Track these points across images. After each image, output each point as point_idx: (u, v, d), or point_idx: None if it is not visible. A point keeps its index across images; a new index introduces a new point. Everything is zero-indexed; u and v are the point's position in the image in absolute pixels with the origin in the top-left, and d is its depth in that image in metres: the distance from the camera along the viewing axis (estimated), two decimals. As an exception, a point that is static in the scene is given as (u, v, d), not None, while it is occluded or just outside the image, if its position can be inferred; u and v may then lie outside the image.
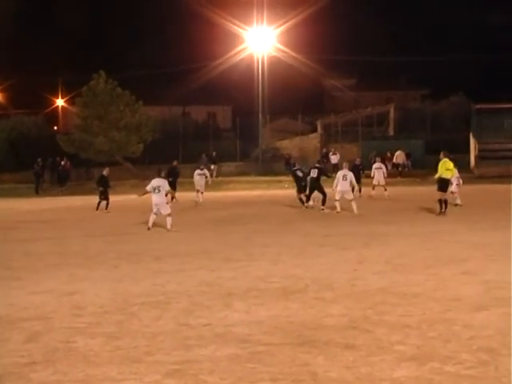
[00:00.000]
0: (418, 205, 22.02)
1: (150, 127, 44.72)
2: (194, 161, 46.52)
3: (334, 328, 7.11)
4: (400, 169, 41.26)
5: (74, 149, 43.50)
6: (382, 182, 26.87)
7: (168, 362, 6.11)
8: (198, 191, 26.26)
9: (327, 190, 21.85)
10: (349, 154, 44.47)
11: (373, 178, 27.08)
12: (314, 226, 17.68)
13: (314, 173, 22.28)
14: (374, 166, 27.47)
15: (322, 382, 5.54)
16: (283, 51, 49.50)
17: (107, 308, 8.40)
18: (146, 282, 10.08)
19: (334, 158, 41.46)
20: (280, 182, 38.17)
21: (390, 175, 29.90)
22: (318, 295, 8.76)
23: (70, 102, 57.05)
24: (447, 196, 18.88)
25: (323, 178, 22.84)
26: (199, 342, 6.74)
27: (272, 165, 47.39)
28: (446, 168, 18.72)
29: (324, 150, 44.59)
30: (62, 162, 44.92)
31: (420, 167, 41.95)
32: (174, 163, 28.29)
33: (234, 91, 58.58)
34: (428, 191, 30.25)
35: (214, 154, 46.29)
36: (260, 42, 47.12)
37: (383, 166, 27.83)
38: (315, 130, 52.59)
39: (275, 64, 49.95)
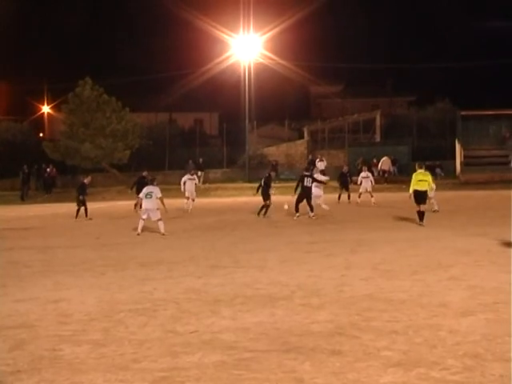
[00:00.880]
0: (404, 211, 22.08)
1: (137, 134, 44.68)
2: (180, 167, 46.53)
3: (320, 334, 7.11)
4: (386, 175, 41.41)
5: (60, 155, 43.35)
6: (369, 189, 27.01)
7: (155, 370, 6.09)
8: (187, 198, 25.65)
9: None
10: (335, 160, 44.70)
11: (360, 185, 27.23)
12: (300, 232, 17.70)
13: (307, 181, 21.73)
14: (361, 174, 27.61)
15: (309, 388, 5.54)
16: (270, 58, 49.58)
17: (93, 315, 8.36)
18: (133, 290, 10.04)
19: (321, 165, 41.51)
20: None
21: (375, 181, 30.01)
22: (304, 301, 8.76)
23: (56, 108, 56.83)
24: (424, 207, 18.55)
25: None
26: (186, 349, 6.72)
27: (259, 171, 47.34)
28: (419, 180, 18.44)
29: (310, 157, 44.66)
30: (48, 169, 44.72)
31: (406, 173, 42.12)
32: (144, 173, 26.73)
33: (221, 98, 58.69)
34: (384, 197, 30.47)
35: (200, 160, 46.25)
36: (247, 49, 47.17)
37: (370, 175, 27.99)
38: (302, 137, 52.72)
39: (262, 70, 50.04)
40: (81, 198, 23.97)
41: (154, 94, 58.56)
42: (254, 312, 8.27)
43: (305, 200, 21.59)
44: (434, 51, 65.39)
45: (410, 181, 18.88)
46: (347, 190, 28.07)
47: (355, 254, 13.17)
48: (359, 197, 26.93)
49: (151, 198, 18.30)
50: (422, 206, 18.26)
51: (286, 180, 41.07)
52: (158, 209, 18.62)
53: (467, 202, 26.76)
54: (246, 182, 44.06)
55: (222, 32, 46.89)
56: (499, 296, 8.70)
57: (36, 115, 64.07)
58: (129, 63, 63.70)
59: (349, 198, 27.29)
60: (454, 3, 72.04)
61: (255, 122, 50.75)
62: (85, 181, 24.97)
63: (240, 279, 10.66)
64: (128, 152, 43.51)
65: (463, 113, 41.70)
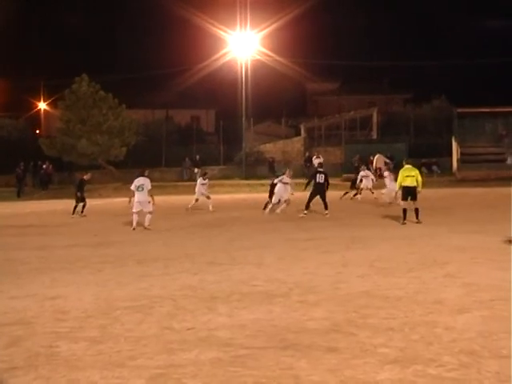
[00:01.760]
0: (400, 208, 22.08)
1: (133, 131, 44.63)
2: (177, 165, 46.57)
3: (317, 331, 7.12)
4: (379, 172, 41.40)
5: (56, 152, 43.29)
6: (370, 186, 27.07)
7: (151, 367, 6.10)
8: (196, 200, 24.85)
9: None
10: (332, 157, 44.73)
11: (360, 182, 27.25)
12: (297, 229, 17.71)
13: (320, 178, 21.26)
14: (361, 173, 27.61)
15: (305, 385, 5.56)
16: (267, 55, 49.60)
17: (90, 312, 8.36)
18: (130, 287, 10.03)
19: (318, 162, 41.53)
20: (263, 185, 38.17)
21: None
22: (301, 299, 8.77)
23: (53, 105, 56.71)
24: (417, 203, 18.35)
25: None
26: (182, 346, 6.72)
27: (255, 168, 47.44)
28: (406, 175, 18.21)
29: (307, 154, 44.69)
30: (44, 166, 44.67)
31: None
32: (85, 176, 25.40)
33: (218, 95, 58.71)
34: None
35: (197, 157, 46.26)
36: (243, 46, 47.14)
37: (370, 174, 28.06)
38: (298, 134, 52.76)
39: (259, 68, 50.05)
40: (78, 194, 23.94)
41: (151, 90, 58.55)
42: (251, 309, 8.27)
43: (318, 197, 21.17)
44: (431, 49, 65.43)
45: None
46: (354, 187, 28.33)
47: (351, 251, 13.18)
48: (360, 193, 27.01)
49: (143, 191, 18.58)
50: (414, 202, 18.04)
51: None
52: (149, 202, 18.81)
53: (463, 199, 26.80)
54: (242, 179, 44.08)
55: (219, 29, 46.91)
56: (495, 293, 8.72)
57: (32, 112, 63.93)
58: (126, 60, 63.82)
59: (355, 195, 27.67)
60: (452, 1, 72.15)
61: (252, 119, 50.76)
62: (84, 177, 24.89)
63: (236, 276, 10.67)
64: (124, 149, 43.47)
65: (459, 110, 41.75)
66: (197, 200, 24.76)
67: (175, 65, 61.80)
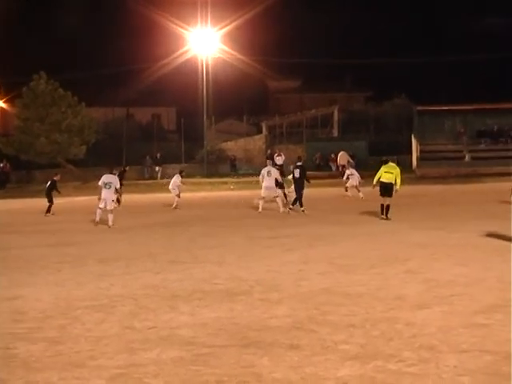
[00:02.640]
0: (361, 205, 22.30)
1: (93, 129, 44.20)
2: (138, 163, 46.20)
3: (278, 329, 7.13)
4: (342, 170, 41.68)
5: (14, 150, 42.65)
6: (355, 183, 27.16)
7: (112, 366, 6.03)
8: (178, 196, 24.96)
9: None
10: (293, 155, 44.77)
11: (347, 180, 27.31)
12: (259, 227, 17.72)
13: (296, 172, 21.41)
14: (347, 172, 27.74)
15: (267, 382, 5.56)
16: (228, 53, 49.53)
17: (49, 313, 8.24)
18: (90, 286, 9.92)
19: (279, 160, 41.59)
20: (225, 183, 38.19)
21: (333, 176, 30.18)
22: (262, 296, 8.78)
23: (10, 103, 55.77)
24: (390, 200, 18.57)
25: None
26: (144, 345, 6.67)
27: (217, 166, 47.36)
28: (385, 171, 18.44)
29: (269, 152, 44.76)
30: (1, 164, 43.97)
31: (363, 168, 42.51)
32: (55, 177, 24.90)
33: (179, 92, 58.29)
34: (371, 192, 30.74)
35: (158, 155, 46.04)
36: (204, 44, 47.02)
37: (355, 172, 27.93)
38: (260, 132, 52.83)
39: (220, 65, 49.99)
40: (49, 194, 23.71)
41: (111, 88, 57.92)
42: (213, 307, 8.25)
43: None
44: (392, 47, 65.97)
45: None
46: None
47: (314, 249, 13.24)
48: (346, 190, 27.04)
49: (110, 189, 18.76)
50: (387, 199, 18.17)
51: (244, 175, 41.12)
52: (113, 200, 19.06)
53: (423, 196, 27.13)
54: (204, 177, 43.93)
55: (180, 26, 46.68)
56: (454, 289, 8.85)
57: (-11, 110, 62.75)
58: (86, 58, 62.98)
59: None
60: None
61: (213, 117, 50.67)
62: (55, 178, 24.69)
63: (198, 275, 10.63)
64: (84, 147, 43.03)
65: (419, 108, 42.29)
66: (179, 196, 24.80)
67: (136, 62, 61.28)
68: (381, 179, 18.35)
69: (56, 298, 9.12)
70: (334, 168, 42.60)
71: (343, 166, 41.73)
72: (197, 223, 19.57)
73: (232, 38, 49.13)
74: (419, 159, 40.46)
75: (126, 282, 10.14)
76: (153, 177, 45.20)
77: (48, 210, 23.46)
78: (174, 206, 24.24)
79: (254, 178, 36.02)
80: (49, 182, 24.43)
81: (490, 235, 13.86)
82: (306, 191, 21.69)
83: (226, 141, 52.07)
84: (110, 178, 18.93)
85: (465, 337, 6.61)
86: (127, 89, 55.08)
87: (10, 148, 42.60)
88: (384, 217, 18.09)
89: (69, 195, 30.68)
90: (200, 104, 47.48)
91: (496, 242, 13.10)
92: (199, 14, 46.35)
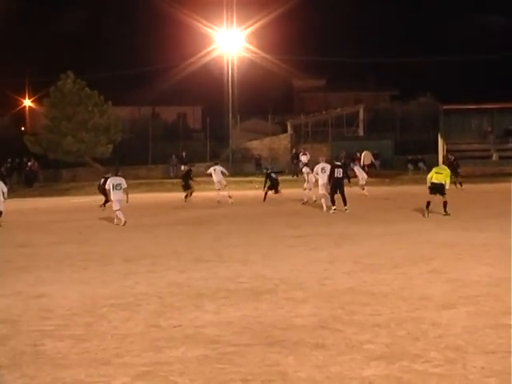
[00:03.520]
0: (387, 205, 22.19)
1: (119, 128, 44.50)
2: (163, 162, 46.45)
3: (303, 328, 7.12)
4: (367, 169, 41.48)
5: (42, 149, 43.10)
6: (363, 182, 27.30)
7: (137, 364, 6.07)
8: (218, 190, 26.24)
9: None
10: (318, 154, 44.66)
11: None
12: (283, 226, 17.69)
13: (338, 172, 20.71)
14: (355, 170, 28.07)
15: (292, 381, 5.55)
16: (253, 52, 49.59)
17: (75, 310, 8.32)
18: (115, 284, 10.00)
19: (304, 159, 41.53)
20: (250, 182, 38.19)
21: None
22: (287, 295, 8.77)
23: (38, 102, 56.38)
24: (445, 197, 18.86)
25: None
26: (169, 343, 6.70)
27: (242, 165, 47.39)
28: (435, 172, 19.28)
29: (294, 151, 44.71)
30: (29, 163, 44.43)
31: (389, 167, 42.31)
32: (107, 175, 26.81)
33: (205, 92, 58.45)
34: (397, 191, 30.59)
35: (183, 154, 46.16)
36: (230, 43, 47.09)
37: (361, 172, 28.32)
38: (285, 131, 52.74)
39: (245, 64, 50.05)
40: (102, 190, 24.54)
41: (138, 88, 58.24)
42: (238, 306, 8.26)
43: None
44: (418, 46, 65.52)
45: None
46: (457, 176, 28.91)
47: (338, 248, 13.20)
48: (363, 189, 27.28)
49: (120, 190, 19.40)
50: (439, 197, 18.84)
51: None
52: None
53: (449, 195, 26.85)
54: (229, 175, 43.96)
55: (206, 26, 46.85)
56: (480, 289, 8.77)
57: (17, 109, 63.50)
58: (112, 57, 63.40)
59: (461, 185, 28.52)
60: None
61: (238, 116, 50.69)
62: (106, 175, 25.24)
63: (223, 273, 10.65)
64: (110, 146, 43.34)
65: (446, 107, 41.93)
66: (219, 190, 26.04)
67: (162, 62, 61.67)
68: (432, 180, 19.09)
69: (82, 295, 9.20)
70: (359, 167, 42.36)
71: (367, 166, 41.62)
72: (221, 222, 19.61)
73: (257, 37, 49.18)
74: (445, 158, 40.08)
75: (151, 281, 10.19)
76: (178, 176, 45.33)
77: (104, 203, 24.19)
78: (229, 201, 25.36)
79: (279, 177, 36.08)
80: (102, 180, 25.19)
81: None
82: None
83: (251, 140, 52.08)
84: (118, 180, 19.58)
85: (491, 338, 6.54)
86: (153, 88, 55.33)
87: (37, 147, 43.06)
88: (444, 212, 18.70)
89: (95, 193, 30.91)
90: (225, 103, 47.58)
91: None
92: (225, 14, 46.47)
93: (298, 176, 25.29)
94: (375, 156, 42.54)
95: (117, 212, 19.34)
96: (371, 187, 32.09)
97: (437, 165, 40.36)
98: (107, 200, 23.90)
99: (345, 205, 20.58)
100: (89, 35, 67.01)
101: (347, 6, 72.54)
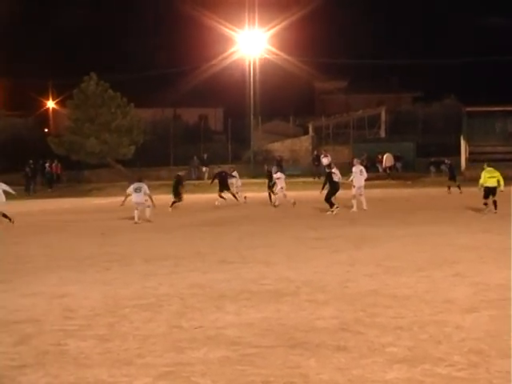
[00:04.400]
0: (408, 207, 22.07)
1: (141, 129, 44.69)
2: (185, 163, 46.59)
3: (325, 330, 7.10)
4: (389, 171, 41.32)
5: (65, 151, 43.41)
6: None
7: (159, 365, 6.09)
8: (237, 193, 27.20)
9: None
10: (340, 156, 44.58)
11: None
12: (305, 228, 17.67)
13: (335, 177, 21.27)
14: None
15: (314, 384, 5.54)
16: (275, 53, 49.60)
17: (98, 311, 8.37)
18: (138, 285, 10.04)
19: (325, 161, 41.41)
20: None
21: (380, 177, 29.97)
22: (309, 297, 8.75)
23: (61, 104, 56.83)
24: (487, 202, 19.48)
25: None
26: (191, 344, 6.72)
27: (264, 167, 47.32)
28: (488, 176, 19.76)
29: (315, 153, 44.60)
30: (47, 164, 44.89)
31: (411, 169, 42.07)
32: (180, 173, 27.81)
33: (226, 93, 58.64)
34: (418, 193, 30.39)
35: (205, 156, 46.27)
36: (252, 45, 47.15)
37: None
38: (307, 133, 52.68)
39: (267, 66, 50.08)
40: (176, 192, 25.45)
41: (159, 89, 58.51)
42: (259, 308, 8.26)
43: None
44: (441, 47, 65.17)
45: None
46: (455, 181, 29.07)
47: (360, 250, 13.15)
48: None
49: (140, 192, 20.31)
50: (494, 196, 19.43)
51: (291, 176, 40.99)
52: (146, 200, 20.64)
53: (471, 198, 26.66)
54: (251, 177, 44.00)
55: (228, 28, 46.99)
56: (503, 293, 8.68)
57: (41, 111, 64.10)
58: (134, 59, 63.78)
59: (459, 188, 28.31)
60: (461, 0, 71.88)
61: (260, 118, 50.72)
62: (179, 173, 26.89)
63: (246, 275, 10.66)
64: (133, 147, 43.54)
65: (469, 109, 41.53)
66: (237, 193, 27.21)
67: (184, 63, 61.98)
68: (486, 184, 19.70)
69: (104, 296, 9.26)
70: (380, 169, 42.24)
71: (389, 168, 41.45)
72: (244, 223, 19.63)
73: (279, 39, 49.20)
74: (468, 161, 39.77)
75: (173, 282, 10.22)
76: (200, 177, 45.49)
77: (172, 204, 24.81)
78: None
79: (300, 179, 36.06)
80: (175, 180, 26.09)
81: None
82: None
83: (273, 141, 52.05)
84: (139, 185, 20.52)
85: (515, 342, 6.48)
86: (175, 90, 55.56)
87: (61, 148, 43.37)
88: (494, 211, 19.32)
89: (117, 194, 31.10)
90: (247, 105, 47.66)
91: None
92: (247, 16, 46.58)
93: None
94: (397, 158, 42.33)
95: (135, 211, 20.12)
96: (393, 189, 31.98)
97: (459, 168, 40.37)
98: (175, 202, 25.00)
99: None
100: (112, 37, 67.43)
101: (370, 7, 72.37)
